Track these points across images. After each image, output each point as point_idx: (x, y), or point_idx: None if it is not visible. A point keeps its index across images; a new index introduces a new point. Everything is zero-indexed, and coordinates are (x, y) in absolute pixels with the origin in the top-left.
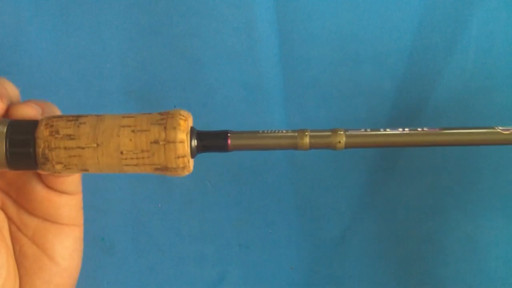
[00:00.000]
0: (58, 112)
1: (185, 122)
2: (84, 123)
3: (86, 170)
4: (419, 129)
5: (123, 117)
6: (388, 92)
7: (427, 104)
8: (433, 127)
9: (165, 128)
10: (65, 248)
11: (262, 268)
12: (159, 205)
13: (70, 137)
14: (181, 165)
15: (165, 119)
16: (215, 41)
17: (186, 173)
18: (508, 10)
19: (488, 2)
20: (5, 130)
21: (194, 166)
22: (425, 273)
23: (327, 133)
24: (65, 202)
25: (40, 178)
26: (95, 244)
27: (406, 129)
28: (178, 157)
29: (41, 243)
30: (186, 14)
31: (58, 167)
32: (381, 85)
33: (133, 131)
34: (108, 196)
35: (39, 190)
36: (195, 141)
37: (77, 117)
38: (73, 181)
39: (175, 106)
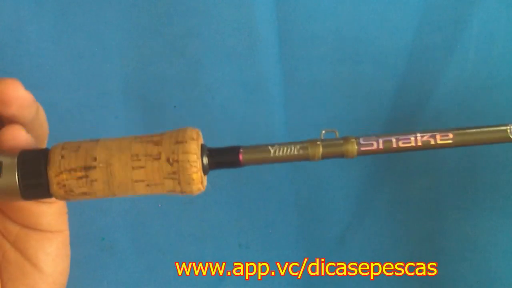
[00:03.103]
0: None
1: (196, 141)
2: (96, 180)
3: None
4: (429, 134)
5: (133, 164)
6: (388, 92)
7: (427, 104)
8: (442, 129)
9: (177, 153)
10: (48, 254)
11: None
12: (159, 205)
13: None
14: (195, 186)
15: (176, 146)
16: (215, 41)
17: (199, 192)
18: (508, 10)
19: (488, 2)
20: (15, 163)
21: None
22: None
23: (340, 142)
24: (44, 211)
25: None
26: (95, 244)
27: (418, 135)
28: (192, 179)
29: (23, 249)
30: (186, 14)
31: (72, 197)
32: (381, 85)
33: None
34: None
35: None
36: (206, 158)
37: (86, 172)
38: None
39: (175, 106)
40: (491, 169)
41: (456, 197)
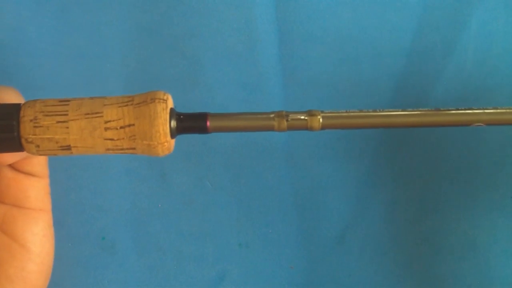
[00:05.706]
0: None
1: (165, 102)
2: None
3: (68, 147)
4: (398, 110)
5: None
6: (388, 92)
7: (426, 104)
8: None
9: (145, 109)
10: (35, 234)
11: (262, 268)
12: (159, 205)
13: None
14: (163, 156)
15: (145, 102)
16: (215, 41)
17: (166, 152)
18: (508, 10)
19: (487, 2)
20: None
21: (195, 166)
22: (425, 273)
23: (303, 116)
24: (32, 184)
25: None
26: (96, 243)
27: (385, 111)
28: (158, 136)
29: (10, 230)
30: (186, 14)
31: (41, 148)
32: (381, 85)
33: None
34: (109, 196)
35: (6, 173)
36: (175, 122)
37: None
38: (39, 162)
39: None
40: (490, 169)
41: (456, 197)
